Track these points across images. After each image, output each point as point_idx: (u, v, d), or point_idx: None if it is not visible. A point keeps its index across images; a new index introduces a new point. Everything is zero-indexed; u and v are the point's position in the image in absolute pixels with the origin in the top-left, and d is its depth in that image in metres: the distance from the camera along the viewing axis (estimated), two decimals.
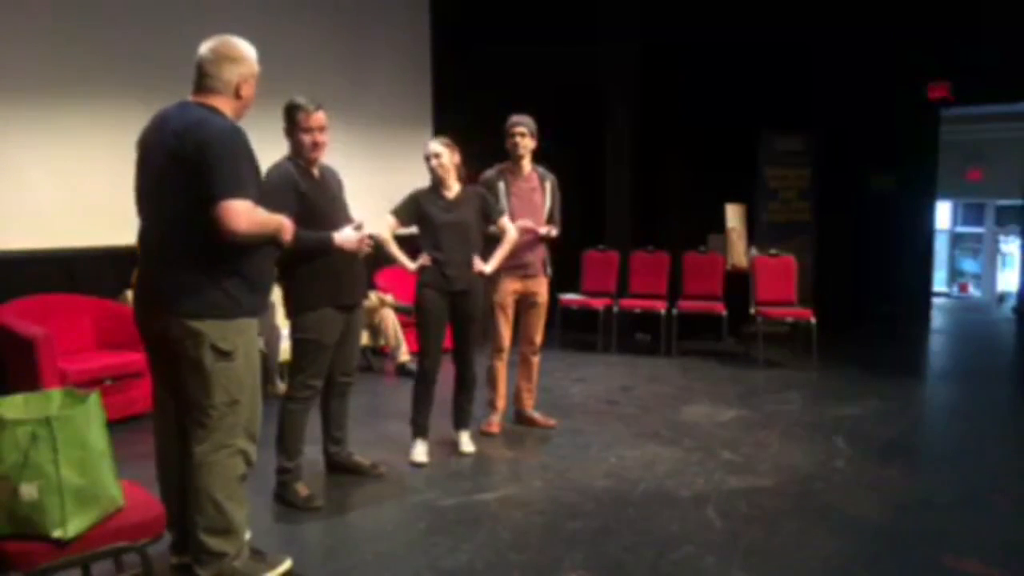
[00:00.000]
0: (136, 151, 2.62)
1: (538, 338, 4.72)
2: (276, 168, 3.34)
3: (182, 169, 2.43)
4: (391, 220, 4.05)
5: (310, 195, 3.36)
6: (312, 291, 3.41)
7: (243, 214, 2.44)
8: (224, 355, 2.54)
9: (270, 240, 2.63)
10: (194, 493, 2.59)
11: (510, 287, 4.51)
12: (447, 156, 4.02)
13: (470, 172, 4.24)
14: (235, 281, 2.55)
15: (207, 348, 2.51)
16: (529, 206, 4.52)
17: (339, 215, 3.49)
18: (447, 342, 4.13)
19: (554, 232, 4.57)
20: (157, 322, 2.57)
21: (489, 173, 4.54)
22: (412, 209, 4.05)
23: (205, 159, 2.41)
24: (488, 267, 4.14)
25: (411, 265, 4.06)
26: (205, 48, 2.59)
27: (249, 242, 2.52)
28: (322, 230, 3.34)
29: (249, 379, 2.64)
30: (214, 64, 2.56)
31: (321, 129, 3.38)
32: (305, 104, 3.37)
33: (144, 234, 2.63)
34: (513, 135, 4.48)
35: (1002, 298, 12.93)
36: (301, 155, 3.41)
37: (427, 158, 4.06)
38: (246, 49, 2.64)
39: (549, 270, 4.67)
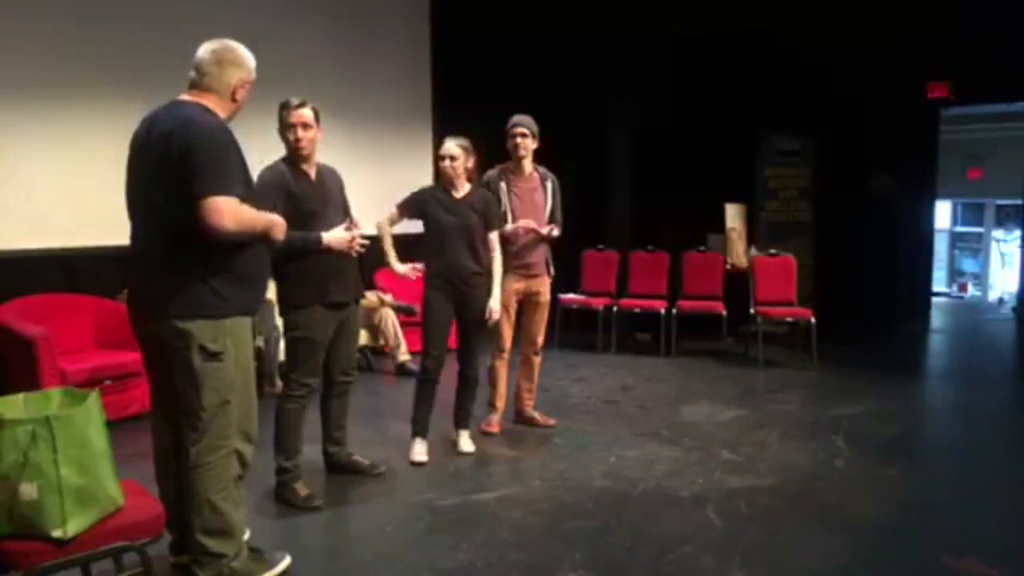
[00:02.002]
0: (128, 153, 2.61)
1: (540, 338, 4.72)
2: (269, 169, 3.35)
3: (169, 168, 2.43)
4: (393, 211, 4.10)
5: (301, 195, 3.35)
6: (301, 290, 3.41)
7: (228, 212, 2.43)
8: (213, 356, 2.53)
9: (261, 238, 2.63)
10: (190, 494, 2.58)
11: (513, 287, 4.50)
12: (462, 160, 4.02)
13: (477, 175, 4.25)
14: (224, 280, 2.54)
15: (196, 349, 2.50)
16: (531, 206, 4.52)
17: (333, 215, 3.48)
18: (451, 341, 4.13)
19: (556, 232, 4.57)
20: (148, 324, 2.57)
21: (491, 173, 4.54)
22: (417, 205, 4.07)
23: (190, 157, 2.40)
24: (494, 305, 4.14)
25: (399, 268, 4.04)
26: (205, 50, 2.59)
27: (237, 240, 2.52)
28: (313, 230, 3.34)
29: (240, 379, 2.63)
30: (215, 66, 2.57)
31: (304, 126, 3.35)
32: (289, 101, 3.37)
33: (134, 236, 2.62)
34: (514, 136, 4.48)
35: (1001, 301, 12.94)
36: (291, 154, 3.41)
37: (441, 157, 4.05)
38: (246, 55, 2.66)
39: (552, 270, 4.67)
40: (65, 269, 5.14)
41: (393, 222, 4.10)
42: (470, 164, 4.07)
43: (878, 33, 7.74)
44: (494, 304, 4.14)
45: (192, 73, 2.59)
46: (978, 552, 3.10)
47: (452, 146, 4.04)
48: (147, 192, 2.51)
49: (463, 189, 4.09)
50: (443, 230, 4.00)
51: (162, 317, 2.50)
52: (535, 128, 4.51)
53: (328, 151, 3.51)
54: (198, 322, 2.50)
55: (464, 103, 7.16)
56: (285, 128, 3.37)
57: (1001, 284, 14.77)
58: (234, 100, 2.62)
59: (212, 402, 2.55)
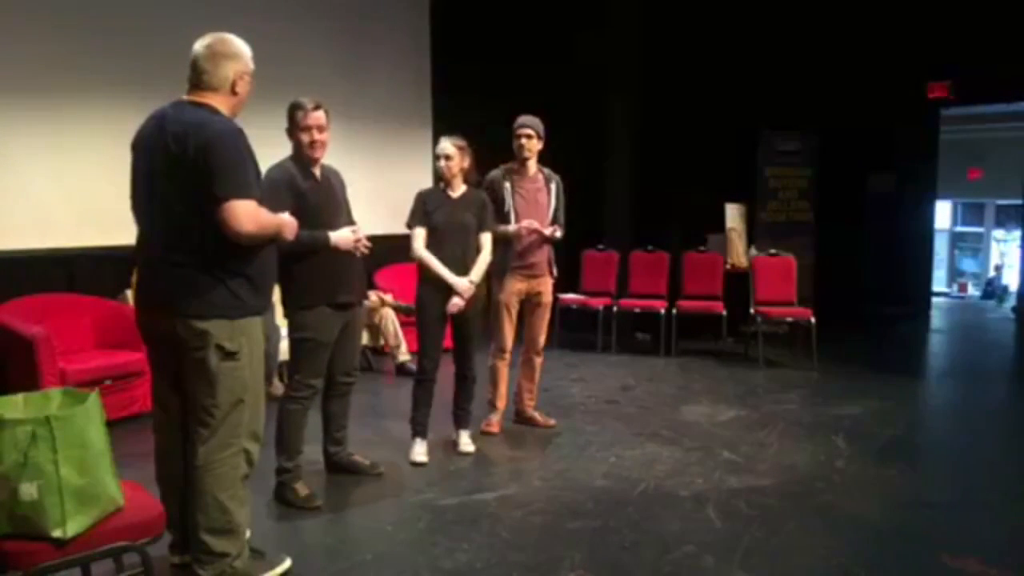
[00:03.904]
0: (132, 153, 2.61)
1: (542, 339, 4.72)
2: (276, 168, 3.35)
3: (184, 171, 2.43)
4: (414, 233, 4.01)
5: (309, 195, 3.36)
6: (308, 290, 3.41)
7: (248, 215, 2.44)
8: (229, 355, 2.54)
9: (273, 239, 2.64)
10: (197, 493, 2.59)
11: (515, 287, 4.50)
12: (457, 160, 4.02)
13: (477, 176, 4.24)
14: (239, 281, 2.55)
15: (213, 348, 2.51)
16: (534, 207, 4.52)
17: (339, 215, 3.49)
18: (447, 341, 4.13)
19: (559, 233, 4.56)
20: (162, 323, 2.57)
21: (495, 173, 4.53)
22: (422, 210, 4.05)
23: (208, 161, 2.41)
24: (461, 283, 3.99)
25: (461, 282, 3.96)
26: (200, 45, 2.58)
27: (254, 242, 2.53)
28: (320, 230, 3.34)
29: (253, 379, 2.64)
30: (210, 61, 2.56)
31: (320, 128, 3.37)
32: (304, 103, 3.38)
33: (144, 237, 2.62)
34: (519, 136, 4.48)
35: (991, 284, 12.90)
36: (302, 154, 3.41)
37: (437, 156, 4.06)
38: (241, 46, 2.64)
39: (555, 270, 4.67)
40: (65, 269, 5.15)
41: (425, 240, 4.01)
42: (466, 164, 4.07)
43: (878, 33, 7.75)
44: (462, 282, 3.97)
45: (190, 72, 2.58)
46: (978, 552, 3.10)
47: (447, 145, 4.04)
48: (162, 193, 2.51)
49: (459, 189, 4.09)
50: (440, 229, 4.00)
51: (179, 316, 2.51)
52: (541, 129, 4.50)
53: (328, 151, 3.51)
54: (215, 322, 2.51)
55: (464, 103, 7.17)
56: (299, 129, 3.38)
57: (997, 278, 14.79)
58: (235, 93, 2.61)
59: (226, 401, 2.56)
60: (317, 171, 3.47)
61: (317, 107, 3.39)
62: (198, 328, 2.50)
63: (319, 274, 3.40)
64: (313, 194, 3.39)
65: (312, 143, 3.37)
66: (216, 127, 2.46)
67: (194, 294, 2.50)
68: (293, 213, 2.91)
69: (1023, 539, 3.33)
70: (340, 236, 3.38)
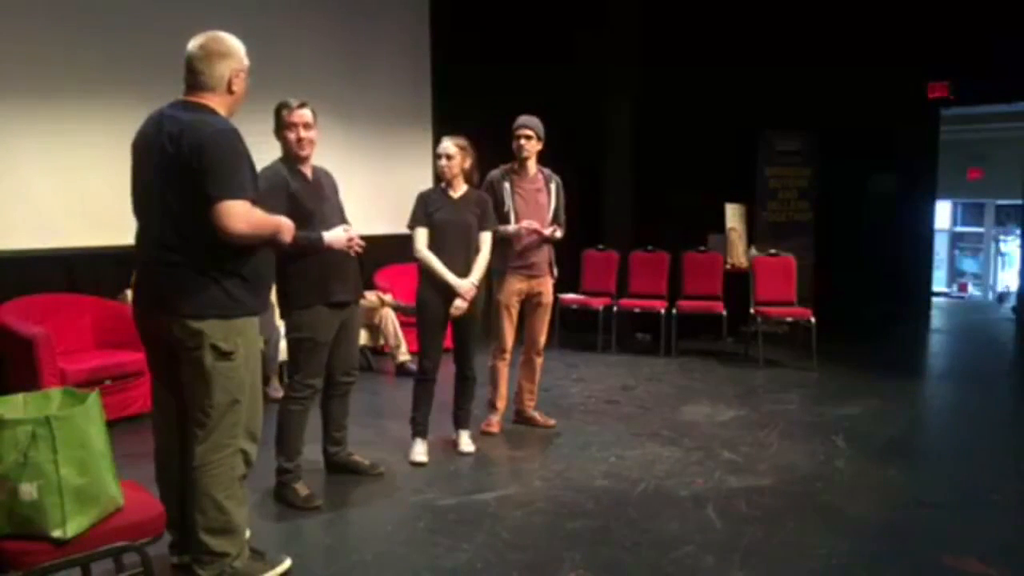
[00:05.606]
0: (131, 153, 2.62)
1: (542, 339, 4.72)
2: (267, 169, 3.35)
3: (180, 171, 2.44)
4: (416, 233, 4.00)
5: (300, 195, 3.36)
6: (303, 289, 3.41)
7: (241, 215, 2.44)
8: (225, 355, 2.54)
9: (269, 240, 2.64)
10: (195, 493, 2.59)
11: (515, 287, 4.50)
12: (458, 160, 4.01)
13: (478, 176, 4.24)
14: (235, 281, 2.56)
15: (208, 348, 2.52)
16: (534, 207, 4.52)
17: (331, 215, 3.49)
18: (447, 341, 4.13)
19: (558, 233, 4.56)
20: (157, 322, 2.57)
21: (495, 173, 4.54)
22: (424, 211, 4.04)
23: (203, 161, 2.41)
24: (464, 284, 4.00)
25: (463, 284, 3.97)
26: (193, 45, 2.58)
27: (248, 243, 2.53)
28: (312, 230, 3.34)
29: (249, 379, 2.64)
30: (204, 61, 2.56)
31: (306, 126, 3.37)
32: (289, 101, 3.39)
33: (142, 236, 2.63)
34: (518, 137, 4.48)
35: (1002, 298, 12.91)
36: (290, 154, 3.42)
37: (438, 156, 4.06)
38: (234, 43, 2.63)
39: (555, 271, 4.67)
40: (65, 269, 5.15)
41: (427, 241, 4.00)
42: (467, 164, 4.06)
43: (878, 33, 7.74)
44: (464, 283, 3.97)
45: (185, 73, 2.58)
46: (978, 552, 3.10)
47: (448, 145, 4.04)
48: (160, 193, 2.51)
49: (460, 189, 4.08)
50: (441, 229, 4.00)
51: (174, 316, 2.51)
52: (540, 130, 4.50)
53: (328, 151, 3.51)
54: (210, 322, 2.51)
55: (464, 103, 7.17)
56: (286, 128, 3.38)
57: (1002, 284, 14.79)
58: (232, 92, 2.61)
59: (222, 401, 2.56)
60: (307, 171, 3.47)
61: (302, 105, 3.39)
62: (193, 328, 2.50)
63: (315, 274, 3.40)
64: (304, 195, 3.38)
65: (299, 140, 3.37)
66: (211, 127, 2.46)
67: (189, 294, 2.50)
68: (284, 213, 2.91)
69: (1023, 539, 3.33)
70: (333, 236, 3.38)
